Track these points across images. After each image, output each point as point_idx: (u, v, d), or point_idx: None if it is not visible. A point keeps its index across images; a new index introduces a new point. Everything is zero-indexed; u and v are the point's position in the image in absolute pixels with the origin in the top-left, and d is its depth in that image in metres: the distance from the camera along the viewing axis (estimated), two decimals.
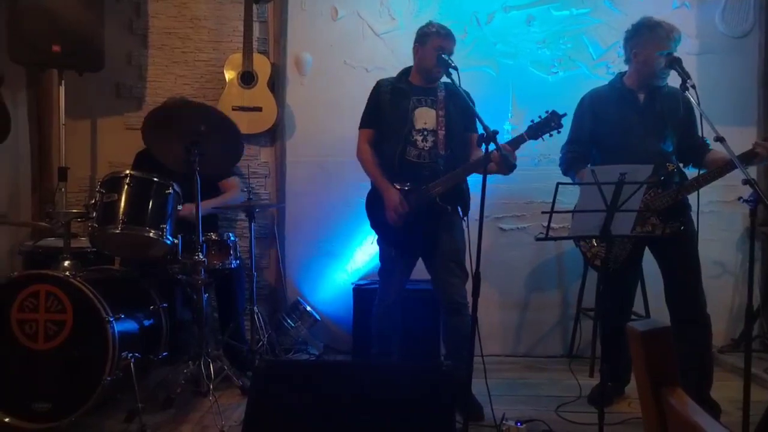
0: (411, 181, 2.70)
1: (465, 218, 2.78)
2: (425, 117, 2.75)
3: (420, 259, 2.86)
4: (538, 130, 2.54)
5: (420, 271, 2.89)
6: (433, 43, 2.69)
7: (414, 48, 2.80)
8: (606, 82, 2.89)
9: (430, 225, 2.72)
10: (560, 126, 2.54)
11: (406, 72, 2.85)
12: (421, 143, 2.73)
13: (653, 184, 2.54)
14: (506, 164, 2.40)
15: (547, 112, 2.54)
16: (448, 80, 2.63)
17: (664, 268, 2.69)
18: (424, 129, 2.74)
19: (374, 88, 2.87)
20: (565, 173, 2.84)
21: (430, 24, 2.78)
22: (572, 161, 2.80)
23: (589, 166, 2.69)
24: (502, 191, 3.66)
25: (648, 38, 2.60)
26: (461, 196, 2.78)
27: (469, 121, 2.78)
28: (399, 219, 2.67)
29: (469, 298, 2.31)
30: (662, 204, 2.56)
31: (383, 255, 2.85)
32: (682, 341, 2.54)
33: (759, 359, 3.30)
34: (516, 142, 2.55)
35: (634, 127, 2.65)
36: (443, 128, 2.73)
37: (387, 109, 2.78)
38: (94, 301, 2.39)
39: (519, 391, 3.07)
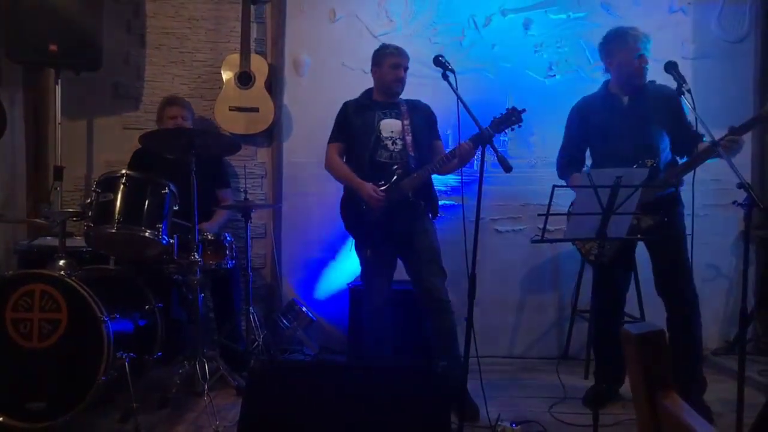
0: (383, 179, 2.82)
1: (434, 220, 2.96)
2: (391, 126, 2.91)
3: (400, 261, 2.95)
4: (500, 124, 2.65)
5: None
6: (388, 61, 2.90)
7: (372, 71, 3.00)
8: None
9: (405, 224, 2.83)
10: (520, 120, 2.66)
11: (368, 92, 3.03)
12: (391, 146, 2.89)
13: (650, 186, 2.57)
14: (504, 167, 2.39)
15: (507, 108, 2.67)
16: (408, 98, 2.91)
17: (652, 257, 2.77)
18: (391, 136, 2.90)
19: (341, 108, 3.04)
20: (560, 177, 2.94)
21: (382, 47, 3.00)
22: (565, 166, 2.92)
23: (584, 169, 2.75)
24: (498, 193, 3.67)
25: (618, 45, 2.72)
26: (430, 198, 2.93)
27: (433, 130, 3.01)
28: (379, 203, 2.78)
29: (464, 300, 2.32)
30: (645, 198, 2.58)
31: (362, 260, 2.96)
32: (671, 329, 2.64)
33: (753, 362, 3.31)
34: (478, 137, 2.60)
35: (617, 128, 2.74)
36: (410, 134, 2.89)
37: (354, 122, 2.95)
38: (89, 301, 2.38)
39: (514, 392, 3.08)
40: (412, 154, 2.85)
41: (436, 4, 3.72)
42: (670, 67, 2.57)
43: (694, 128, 2.60)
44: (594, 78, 3.67)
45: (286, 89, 3.77)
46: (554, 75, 3.73)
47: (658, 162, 2.68)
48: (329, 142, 3.04)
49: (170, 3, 3.77)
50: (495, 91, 3.69)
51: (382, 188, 2.81)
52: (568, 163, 2.90)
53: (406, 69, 2.93)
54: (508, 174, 2.33)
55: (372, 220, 2.83)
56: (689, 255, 2.69)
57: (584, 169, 2.90)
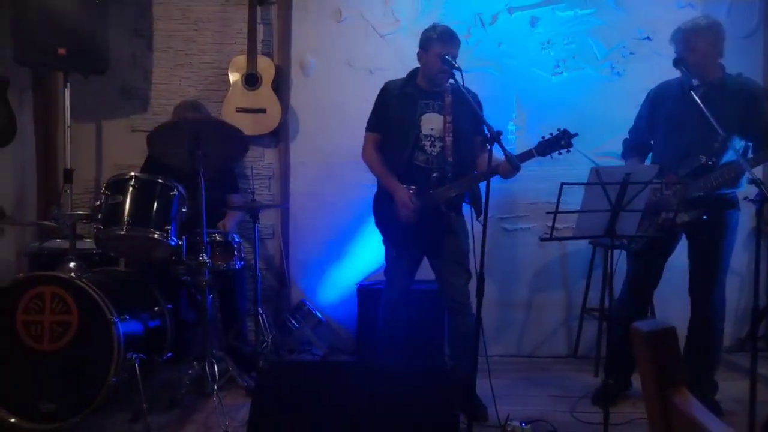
0: (417, 184, 2.70)
1: (479, 219, 2.70)
2: (432, 123, 2.74)
3: (425, 259, 2.87)
4: (547, 147, 2.49)
5: (425, 271, 2.90)
6: (435, 50, 2.65)
7: (418, 53, 2.75)
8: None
9: (434, 227, 2.73)
10: (570, 146, 2.47)
11: (414, 74, 2.81)
12: (429, 149, 2.73)
13: (679, 182, 2.55)
14: (513, 165, 2.39)
15: (558, 129, 2.47)
16: (456, 83, 2.59)
17: (689, 255, 2.72)
18: (431, 135, 2.73)
19: (381, 90, 2.84)
20: (622, 158, 2.93)
21: (432, 28, 2.72)
22: (627, 149, 2.90)
23: (592, 166, 2.72)
24: (507, 191, 3.65)
25: (699, 38, 2.59)
26: (474, 199, 2.76)
27: (478, 124, 2.75)
28: (410, 215, 2.67)
29: (474, 298, 2.32)
30: (690, 194, 2.55)
31: (387, 254, 2.88)
32: (691, 330, 2.63)
33: (765, 359, 3.28)
34: (523, 157, 2.49)
35: (683, 120, 2.64)
36: (450, 134, 2.71)
37: (394, 113, 2.77)
38: (99, 303, 2.40)
39: (523, 391, 3.06)
40: (451, 160, 2.69)
41: (443, 3, 3.71)
42: (679, 63, 2.55)
43: None
44: (602, 75, 3.65)
45: (292, 90, 3.78)
46: (561, 72, 3.71)
47: (717, 159, 2.56)
48: (367, 130, 2.87)
49: (177, 5, 3.78)
50: (501, 89, 3.68)
51: (413, 192, 2.68)
52: (631, 147, 2.87)
53: (455, 57, 2.63)
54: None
55: (403, 220, 2.72)
56: (727, 260, 2.63)
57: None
